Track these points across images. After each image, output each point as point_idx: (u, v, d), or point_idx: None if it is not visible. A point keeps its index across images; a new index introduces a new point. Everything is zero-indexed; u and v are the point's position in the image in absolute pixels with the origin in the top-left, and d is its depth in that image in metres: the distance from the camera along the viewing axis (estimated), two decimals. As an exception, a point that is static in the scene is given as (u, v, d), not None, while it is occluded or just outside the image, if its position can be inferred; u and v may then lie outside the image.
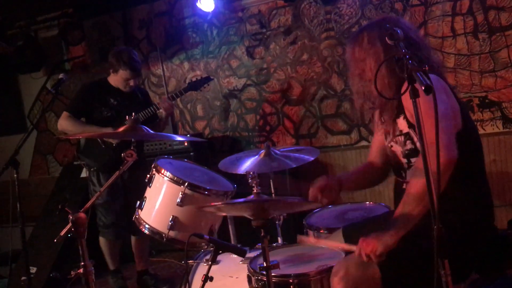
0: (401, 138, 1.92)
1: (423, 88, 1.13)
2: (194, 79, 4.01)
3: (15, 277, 4.30)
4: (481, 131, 4.02)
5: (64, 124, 3.56)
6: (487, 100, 4.03)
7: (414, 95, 1.23)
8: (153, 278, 3.81)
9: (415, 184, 1.70)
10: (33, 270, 4.13)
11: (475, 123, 4.02)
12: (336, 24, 4.42)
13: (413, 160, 1.90)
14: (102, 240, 3.75)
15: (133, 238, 3.78)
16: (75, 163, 5.07)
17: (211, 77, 4.15)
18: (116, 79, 3.58)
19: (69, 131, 3.61)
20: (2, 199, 5.27)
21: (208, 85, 4.03)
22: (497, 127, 4.02)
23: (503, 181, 3.99)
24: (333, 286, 1.77)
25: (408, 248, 1.75)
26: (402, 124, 1.91)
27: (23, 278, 4.20)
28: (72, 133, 3.70)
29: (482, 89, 4.03)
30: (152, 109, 3.63)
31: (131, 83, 3.57)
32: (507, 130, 3.99)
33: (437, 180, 1.30)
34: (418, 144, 1.82)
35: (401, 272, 1.76)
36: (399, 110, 1.90)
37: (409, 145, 1.89)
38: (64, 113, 3.60)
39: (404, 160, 1.94)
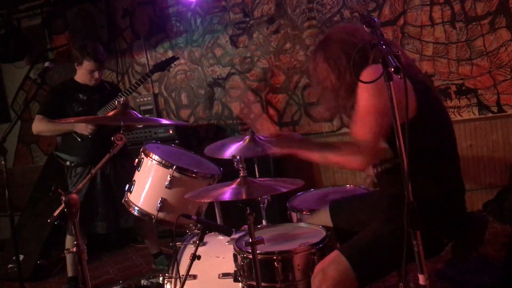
0: None
1: (392, 69, 1.22)
2: (160, 60, 4.08)
3: (2, 265, 4.34)
4: (458, 117, 4.16)
5: (39, 126, 3.64)
6: (463, 87, 4.16)
7: (389, 78, 1.32)
8: (168, 258, 3.88)
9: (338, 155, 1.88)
10: (20, 257, 4.17)
11: (452, 109, 4.17)
12: (318, 13, 4.50)
13: None
14: (67, 240, 3.73)
15: (137, 226, 3.85)
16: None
17: (177, 57, 4.21)
18: (82, 73, 3.64)
19: (45, 132, 3.72)
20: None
21: (175, 64, 4.12)
22: (473, 113, 4.16)
23: (479, 165, 4.15)
24: (313, 287, 1.86)
25: (376, 242, 1.85)
26: None
27: (9, 265, 4.26)
28: (49, 133, 3.80)
29: (459, 76, 4.16)
30: (124, 93, 3.73)
31: (96, 75, 3.63)
32: (483, 116, 4.13)
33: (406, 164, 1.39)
34: None
35: (374, 265, 1.86)
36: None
37: None
38: (37, 116, 3.66)
39: None
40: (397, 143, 1.38)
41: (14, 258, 4.14)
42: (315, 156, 1.97)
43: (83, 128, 3.58)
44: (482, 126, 4.11)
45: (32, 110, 5.72)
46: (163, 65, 3.96)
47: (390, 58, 1.24)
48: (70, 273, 3.79)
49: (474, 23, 4.05)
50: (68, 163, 3.73)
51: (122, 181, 3.53)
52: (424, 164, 1.82)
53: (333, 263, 1.83)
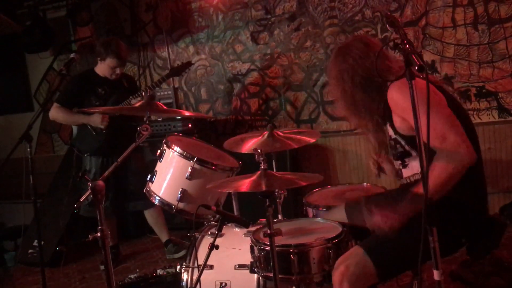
0: (392, 143, 2.02)
1: (416, 67, 1.25)
2: (176, 65, 4.22)
3: (23, 250, 4.45)
4: (477, 120, 4.14)
5: (55, 114, 3.81)
6: (484, 90, 4.14)
7: (411, 77, 1.35)
8: (176, 244, 4.04)
9: (439, 172, 1.74)
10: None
11: (472, 112, 4.16)
12: (339, 12, 4.52)
13: (406, 160, 2.00)
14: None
15: (146, 214, 4.00)
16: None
17: (192, 62, 4.31)
18: (103, 67, 3.78)
19: (60, 120, 3.92)
20: (6, 175, 5.41)
21: (189, 69, 4.31)
22: (493, 116, 4.14)
23: (497, 168, 4.12)
24: (334, 280, 1.90)
25: (396, 239, 1.85)
26: (389, 130, 2.02)
27: (30, 251, 4.37)
28: (64, 122, 4.01)
29: (479, 79, 4.14)
30: (139, 94, 3.80)
31: (118, 71, 3.79)
32: (502, 119, 4.11)
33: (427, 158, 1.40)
34: (407, 147, 1.94)
35: (395, 264, 1.89)
36: (384, 118, 2.01)
37: (399, 148, 1.99)
38: (55, 104, 3.83)
39: (398, 162, 2.05)
40: (417, 141, 1.40)
41: (34, 243, 4.27)
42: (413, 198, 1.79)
43: (98, 121, 3.72)
44: (502, 129, 4.09)
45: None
46: (178, 71, 4.11)
47: (414, 56, 1.26)
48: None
49: (497, 26, 4.03)
50: (81, 153, 3.92)
51: (130, 170, 3.82)
52: None
53: (355, 259, 1.86)
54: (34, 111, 5.73)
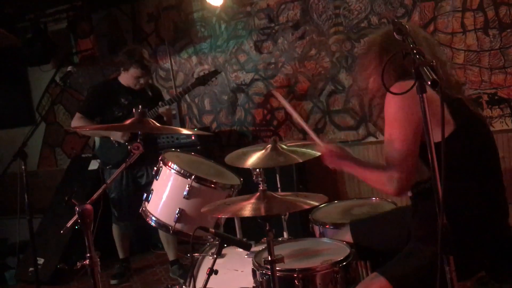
0: None
1: (429, 82, 1.12)
2: (202, 73, 4.07)
3: (22, 268, 4.36)
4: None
5: (77, 123, 3.71)
6: (496, 97, 3.99)
7: (421, 90, 1.22)
8: (181, 268, 3.91)
9: (377, 177, 1.82)
10: (40, 261, 4.18)
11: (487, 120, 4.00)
12: (345, 19, 4.40)
13: None
14: (114, 229, 4.01)
15: (160, 231, 3.87)
16: (83, 155, 5.12)
17: (219, 71, 4.18)
18: (127, 77, 3.69)
19: (81, 131, 3.95)
20: (10, 190, 5.34)
21: (216, 78, 4.10)
22: (506, 124, 3.99)
23: (511, 178, 3.97)
24: None
25: (416, 264, 1.77)
26: None
27: (30, 269, 4.27)
28: (85, 133, 4.04)
29: (491, 85, 3.99)
30: (163, 104, 3.72)
31: (142, 81, 3.69)
32: (516, 127, 3.96)
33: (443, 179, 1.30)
34: None
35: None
36: None
37: None
38: (77, 114, 3.75)
39: None
40: (430, 161, 1.27)
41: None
42: (357, 171, 1.95)
43: (118, 136, 3.65)
44: (516, 137, 3.94)
45: (57, 113, 5.77)
46: (204, 80, 3.97)
47: (426, 69, 1.13)
48: (121, 255, 4.06)
49: (508, 30, 3.89)
50: (103, 165, 3.87)
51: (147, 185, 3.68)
52: (461, 182, 1.72)
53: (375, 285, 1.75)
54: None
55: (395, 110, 1.74)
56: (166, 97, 4.42)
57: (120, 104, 3.71)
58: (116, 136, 3.65)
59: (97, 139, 3.92)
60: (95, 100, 3.75)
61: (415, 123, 1.69)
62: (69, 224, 1.69)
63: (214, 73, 4.05)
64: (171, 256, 3.94)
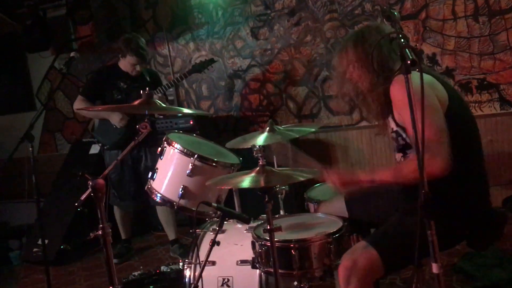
0: (394, 135, 2.03)
1: (408, 62, 1.25)
2: (199, 60, 4.19)
3: (27, 249, 4.48)
4: (478, 112, 4.13)
5: (79, 106, 3.86)
6: (485, 82, 4.13)
7: (407, 71, 1.35)
8: (181, 247, 4.05)
9: (409, 166, 1.79)
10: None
11: (473, 104, 4.15)
12: (339, 6, 4.50)
13: (408, 151, 1.99)
14: (115, 211, 4.16)
15: (158, 209, 4.04)
16: (83, 140, 5.23)
17: (215, 59, 4.29)
18: (124, 63, 3.88)
19: (83, 112, 4.10)
20: (11, 175, 5.45)
21: (212, 66, 4.24)
22: (495, 108, 4.13)
23: (499, 161, 4.11)
24: (340, 275, 1.89)
25: (401, 232, 1.88)
26: (391, 122, 2.02)
27: (35, 249, 4.40)
28: (86, 115, 4.22)
29: (481, 71, 4.12)
30: (160, 89, 3.85)
31: (138, 68, 3.87)
32: (504, 111, 4.09)
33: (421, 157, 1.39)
34: (408, 140, 1.94)
35: (401, 256, 1.88)
36: (387, 111, 2.01)
37: (401, 141, 1.99)
38: (79, 97, 3.93)
39: (400, 154, 2.04)
40: (414, 134, 1.40)
41: (38, 242, 4.30)
42: (379, 177, 1.91)
43: (117, 120, 3.80)
44: (504, 121, 4.08)
45: (57, 100, 5.86)
46: (200, 67, 4.12)
47: (407, 51, 1.26)
48: (123, 236, 4.21)
49: (498, 17, 4.01)
50: (101, 145, 4.05)
51: (150, 166, 3.80)
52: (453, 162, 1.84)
53: (362, 253, 1.87)
54: (36, 110, 5.76)
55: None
56: (164, 82, 4.52)
57: (119, 88, 3.87)
58: (115, 120, 3.81)
59: (96, 122, 4.08)
60: (96, 84, 3.94)
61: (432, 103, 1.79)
62: (83, 197, 1.81)
63: (211, 61, 4.20)
64: (171, 236, 4.08)
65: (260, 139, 2.17)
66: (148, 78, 4.00)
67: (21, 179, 5.30)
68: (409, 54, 1.26)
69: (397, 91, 1.85)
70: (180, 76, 4.10)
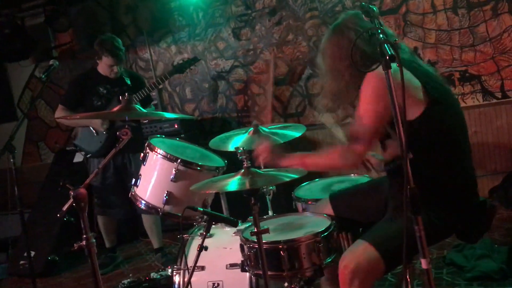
0: None
1: (387, 57, 1.24)
2: (180, 61, 4.12)
3: (14, 261, 4.40)
4: (462, 104, 4.15)
5: (59, 115, 3.80)
6: (467, 74, 4.15)
7: (387, 66, 1.34)
8: (164, 256, 3.99)
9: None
10: (31, 254, 4.22)
11: (456, 96, 4.16)
12: (319, 4, 4.50)
13: (386, 142, 1.98)
14: (98, 220, 4.10)
15: (144, 217, 3.97)
16: (67, 148, 5.16)
17: (198, 58, 4.23)
18: (102, 66, 3.80)
19: (64, 121, 4.03)
20: (-3, 187, 5.35)
21: (196, 66, 4.16)
22: (477, 99, 4.16)
23: (484, 152, 4.15)
24: (341, 278, 1.87)
25: (397, 229, 1.85)
26: None
27: (21, 262, 4.33)
28: (67, 123, 4.08)
29: (462, 63, 4.15)
30: (142, 93, 3.77)
31: (115, 69, 3.77)
32: (487, 102, 4.13)
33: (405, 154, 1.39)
34: (386, 130, 1.92)
35: (399, 252, 1.87)
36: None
37: None
38: (59, 106, 3.86)
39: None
40: (397, 130, 1.39)
41: (25, 254, 4.22)
42: (305, 164, 2.06)
43: (98, 125, 3.74)
44: (487, 112, 4.11)
45: (39, 108, 5.78)
46: (182, 67, 4.02)
47: (386, 46, 1.25)
48: (107, 245, 4.15)
49: (476, 9, 4.04)
50: (84, 154, 4.00)
51: (135, 172, 3.72)
52: (435, 154, 1.85)
53: (365, 256, 1.84)
54: (18, 120, 5.67)
55: (372, 89, 1.84)
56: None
57: (99, 94, 3.79)
58: (96, 125, 3.73)
59: (76, 129, 3.99)
60: (75, 92, 3.85)
61: (387, 102, 1.80)
62: (65, 208, 1.77)
63: (193, 60, 4.10)
64: (155, 244, 4.02)
65: (244, 142, 2.15)
66: (128, 82, 3.91)
67: (4, 190, 5.20)
68: (388, 49, 1.25)
69: (366, 84, 1.87)
70: (160, 78, 3.97)
